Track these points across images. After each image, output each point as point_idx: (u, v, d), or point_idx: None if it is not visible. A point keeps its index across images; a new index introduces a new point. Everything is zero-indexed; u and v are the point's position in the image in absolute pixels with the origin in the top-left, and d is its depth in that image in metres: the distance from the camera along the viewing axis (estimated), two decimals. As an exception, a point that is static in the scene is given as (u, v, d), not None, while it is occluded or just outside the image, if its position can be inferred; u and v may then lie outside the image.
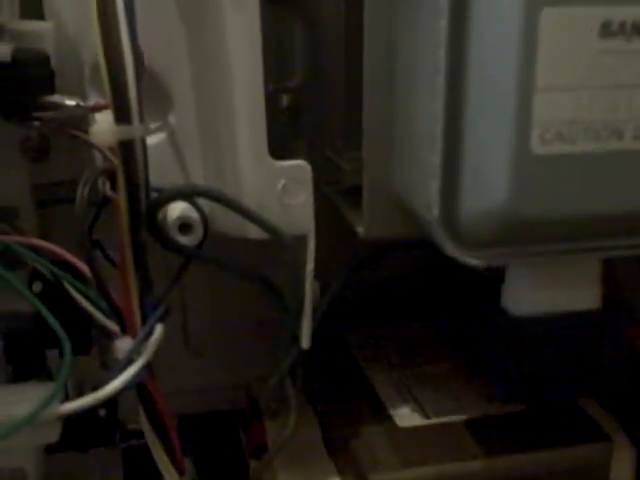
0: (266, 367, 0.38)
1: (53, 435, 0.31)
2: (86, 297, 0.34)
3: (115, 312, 0.33)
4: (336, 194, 0.37)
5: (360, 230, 0.34)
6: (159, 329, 0.32)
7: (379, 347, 0.45)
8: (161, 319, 0.33)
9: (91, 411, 0.45)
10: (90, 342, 0.41)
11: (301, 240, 0.35)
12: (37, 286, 0.38)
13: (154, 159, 0.31)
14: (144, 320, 0.33)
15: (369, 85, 0.31)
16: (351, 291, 0.45)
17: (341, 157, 0.37)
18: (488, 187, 0.27)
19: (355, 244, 0.36)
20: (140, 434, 0.36)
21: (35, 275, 0.38)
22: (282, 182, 0.33)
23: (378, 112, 0.32)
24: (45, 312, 0.31)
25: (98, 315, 0.34)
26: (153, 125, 0.34)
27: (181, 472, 0.37)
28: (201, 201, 0.34)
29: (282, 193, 0.33)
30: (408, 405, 0.40)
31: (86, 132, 0.30)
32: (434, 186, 0.27)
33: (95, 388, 0.46)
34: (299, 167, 0.33)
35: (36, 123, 0.32)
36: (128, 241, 0.31)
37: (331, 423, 0.41)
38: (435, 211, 0.28)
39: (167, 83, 0.33)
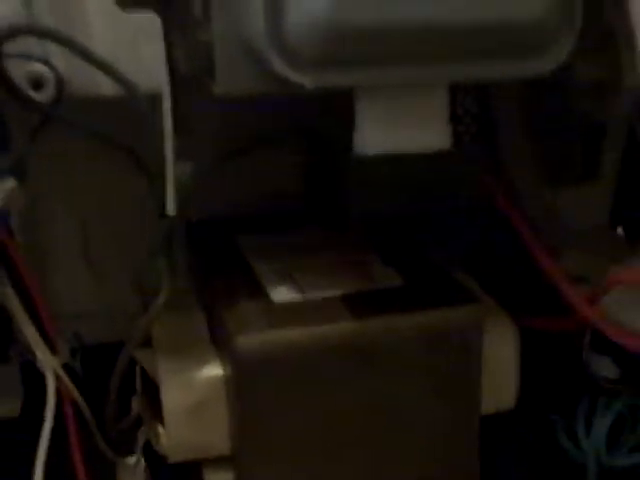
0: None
1: None
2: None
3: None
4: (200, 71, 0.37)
5: (215, 88, 0.34)
6: (11, 181, 0.32)
7: (267, 245, 0.45)
8: (15, 173, 0.33)
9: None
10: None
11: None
12: None
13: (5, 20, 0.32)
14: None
15: None
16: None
17: (201, 28, 0.36)
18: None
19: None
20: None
21: None
22: (132, 33, 0.33)
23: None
24: None
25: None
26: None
27: (53, 350, 0.37)
28: (55, 60, 0.34)
29: (132, 44, 0.33)
30: (286, 284, 0.40)
31: None
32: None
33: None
34: (148, 18, 0.33)
35: None
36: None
37: (211, 306, 0.40)
38: (260, 25, 0.28)
39: None
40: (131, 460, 0.45)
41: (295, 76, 0.29)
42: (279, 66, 0.28)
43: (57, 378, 0.39)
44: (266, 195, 0.49)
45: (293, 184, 0.50)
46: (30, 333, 0.36)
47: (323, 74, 0.29)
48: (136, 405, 0.44)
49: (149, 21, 0.33)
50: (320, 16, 0.27)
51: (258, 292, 0.40)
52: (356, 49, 0.29)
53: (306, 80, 0.29)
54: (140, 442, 0.44)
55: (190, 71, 0.36)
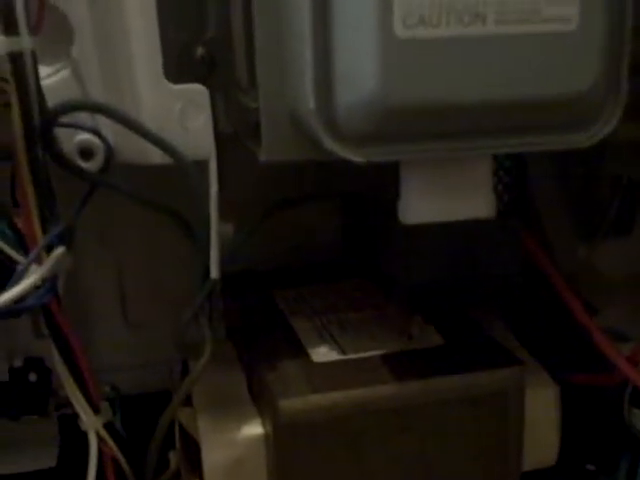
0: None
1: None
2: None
3: (19, 240, 0.33)
4: (244, 135, 0.38)
5: (260, 155, 0.34)
6: (60, 249, 0.33)
7: (304, 299, 0.46)
8: (63, 241, 0.33)
9: (20, 376, 0.46)
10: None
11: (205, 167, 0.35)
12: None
13: (60, 96, 0.33)
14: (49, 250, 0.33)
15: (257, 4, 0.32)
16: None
17: (246, 95, 0.37)
18: (358, 75, 0.28)
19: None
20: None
21: None
22: (180, 105, 0.34)
23: (267, 29, 0.32)
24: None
25: (1, 244, 0.34)
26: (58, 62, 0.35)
27: (96, 409, 0.37)
28: (105, 131, 0.35)
29: (180, 116, 0.34)
30: (326, 344, 0.40)
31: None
32: (308, 77, 0.28)
33: (27, 358, 0.47)
34: (196, 90, 0.34)
35: None
36: (24, 158, 0.32)
37: (251, 364, 0.41)
38: (310, 103, 0.29)
39: (66, 13, 0.34)
40: (170, 515, 0.45)
41: (344, 152, 0.29)
42: (328, 143, 0.29)
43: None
44: (302, 249, 0.49)
45: (330, 238, 0.50)
46: (73, 393, 0.36)
47: (372, 149, 0.30)
48: (174, 460, 0.44)
49: (196, 93, 0.34)
50: (371, 96, 0.28)
51: (298, 351, 0.40)
52: (405, 126, 0.29)
53: (355, 156, 0.29)
54: (178, 497, 0.44)
55: (233, 134, 0.36)
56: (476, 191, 0.33)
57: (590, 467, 0.48)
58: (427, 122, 0.29)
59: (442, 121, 0.29)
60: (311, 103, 0.29)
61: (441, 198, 0.33)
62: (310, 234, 0.50)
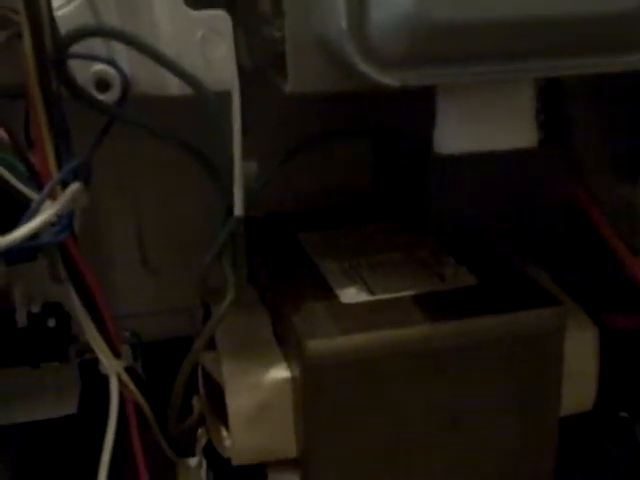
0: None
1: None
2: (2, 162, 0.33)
3: (34, 177, 0.32)
4: (268, 67, 0.36)
5: (286, 87, 0.32)
6: (76, 184, 0.31)
7: (331, 242, 0.44)
8: (79, 176, 0.32)
9: (39, 322, 0.45)
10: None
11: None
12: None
13: (73, 25, 0.31)
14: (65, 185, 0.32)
15: None
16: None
17: (270, 25, 0.35)
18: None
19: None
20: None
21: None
22: (201, 32, 0.32)
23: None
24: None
25: (15, 181, 0.32)
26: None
27: (116, 353, 0.36)
28: (121, 61, 0.33)
29: (201, 44, 0.32)
30: (355, 285, 0.39)
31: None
32: (340, -3, 0.26)
33: (45, 303, 0.46)
34: (218, 17, 0.32)
35: None
36: (37, 92, 0.30)
37: (276, 306, 0.39)
38: (343, 24, 0.27)
39: None
40: (193, 461, 0.44)
41: (380, 76, 0.27)
42: (362, 66, 0.27)
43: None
44: (330, 190, 0.48)
45: (358, 179, 0.48)
46: (93, 337, 0.35)
47: (408, 72, 0.28)
48: (198, 406, 0.43)
49: (217, 19, 0.32)
50: (406, 14, 0.26)
51: (326, 293, 0.38)
52: (442, 46, 0.27)
53: (391, 80, 0.27)
54: (202, 443, 0.44)
55: (255, 69, 0.34)
56: (518, 119, 0.31)
57: (623, 414, 0.47)
58: (465, 42, 0.27)
59: (482, 41, 0.27)
60: (343, 23, 0.27)
61: (480, 126, 0.31)
62: (338, 174, 0.48)
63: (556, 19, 0.27)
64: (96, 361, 0.38)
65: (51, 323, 0.46)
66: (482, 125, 0.31)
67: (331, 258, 0.42)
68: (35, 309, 0.46)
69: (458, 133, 0.31)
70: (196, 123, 0.32)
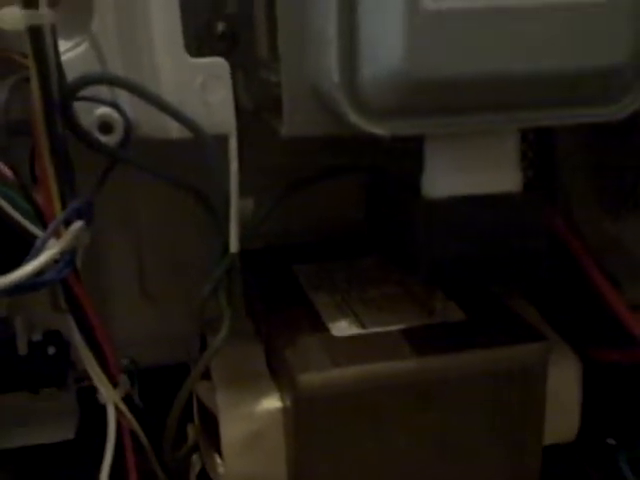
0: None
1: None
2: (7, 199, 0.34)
3: (38, 215, 0.33)
4: (265, 110, 0.37)
5: (281, 129, 0.34)
6: (79, 223, 0.32)
7: (324, 274, 0.45)
8: (82, 215, 0.33)
9: (40, 349, 0.46)
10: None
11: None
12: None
13: (79, 70, 0.32)
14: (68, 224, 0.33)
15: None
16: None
17: (268, 70, 0.37)
18: (383, 47, 0.27)
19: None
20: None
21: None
22: (200, 78, 0.33)
23: (289, 2, 0.32)
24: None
25: (20, 218, 0.34)
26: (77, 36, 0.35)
27: (114, 382, 0.37)
28: (124, 105, 0.34)
29: (201, 89, 0.33)
30: (346, 318, 0.40)
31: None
32: (332, 51, 0.27)
33: (45, 331, 0.47)
34: (216, 64, 0.33)
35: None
36: (43, 133, 0.31)
37: (270, 338, 0.40)
38: (335, 77, 0.28)
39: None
40: (186, 487, 0.45)
41: (370, 126, 0.29)
42: (352, 117, 0.28)
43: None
44: (324, 224, 0.49)
45: (352, 213, 0.50)
46: (92, 367, 0.36)
47: (396, 123, 0.29)
48: (192, 434, 0.44)
49: (216, 66, 0.33)
50: (396, 70, 0.27)
51: (318, 326, 0.40)
52: (431, 99, 0.29)
53: (381, 130, 0.29)
54: (196, 470, 0.45)
55: (254, 110, 0.36)
56: (502, 165, 0.33)
57: (611, 441, 0.48)
58: (453, 95, 0.28)
59: (468, 94, 0.29)
60: (335, 77, 0.28)
61: (466, 172, 0.32)
62: (332, 210, 0.50)
63: (538, 74, 0.29)
64: (94, 388, 0.39)
65: (51, 351, 0.47)
66: (468, 170, 0.32)
67: (324, 291, 0.43)
68: (36, 337, 0.48)
69: (445, 178, 0.32)
70: (194, 162, 0.34)
